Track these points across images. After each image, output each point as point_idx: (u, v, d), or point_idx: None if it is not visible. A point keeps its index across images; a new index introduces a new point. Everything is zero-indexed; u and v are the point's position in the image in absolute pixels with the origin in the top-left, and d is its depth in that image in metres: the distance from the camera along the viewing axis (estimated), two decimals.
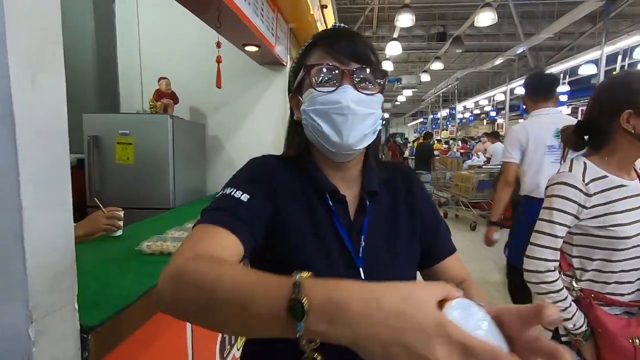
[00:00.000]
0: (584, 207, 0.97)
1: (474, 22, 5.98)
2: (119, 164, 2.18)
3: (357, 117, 0.58)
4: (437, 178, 7.10)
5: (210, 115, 2.83)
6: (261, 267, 0.47)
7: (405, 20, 6.10)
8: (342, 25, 0.67)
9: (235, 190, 0.58)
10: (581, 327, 1.00)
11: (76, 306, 0.72)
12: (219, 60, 1.95)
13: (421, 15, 7.98)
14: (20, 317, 0.61)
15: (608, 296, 0.99)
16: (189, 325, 1.36)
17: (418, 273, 0.72)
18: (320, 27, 3.38)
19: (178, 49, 2.78)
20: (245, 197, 0.57)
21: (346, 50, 0.60)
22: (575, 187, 0.98)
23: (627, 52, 6.85)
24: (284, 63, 2.69)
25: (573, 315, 0.99)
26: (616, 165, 1.01)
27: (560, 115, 2.21)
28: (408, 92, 13.80)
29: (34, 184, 0.62)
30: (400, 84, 11.61)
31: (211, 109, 2.81)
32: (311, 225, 0.61)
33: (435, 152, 7.78)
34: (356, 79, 0.59)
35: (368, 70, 0.60)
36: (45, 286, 0.64)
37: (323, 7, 3.48)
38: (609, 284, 1.00)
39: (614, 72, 7.15)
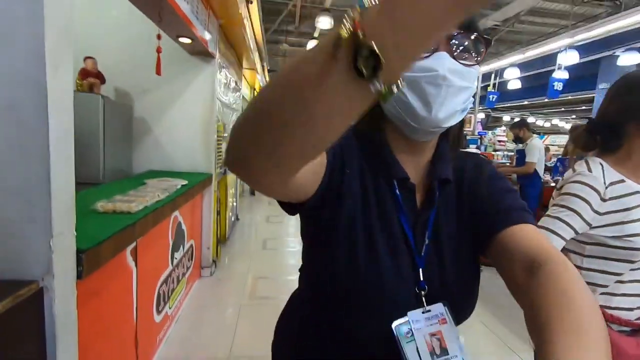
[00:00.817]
0: (597, 212, 0.88)
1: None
2: None
3: (451, 89, 0.50)
4: None
5: (137, 97, 2.92)
6: (314, 260, 0.55)
7: (324, 22, 6.63)
8: None
9: None
10: None
11: (74, 232, 0.99)
12: (159, 51, 2.14)
13: (339, 18, 8.59)
14: (46, 234, 0.88)
15: (615, 312, 0.90)
16: (134, 275, 1.62)
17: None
18: (247, 23, 3.67)
19: (104, 30, 2.81)
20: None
21: None
22: (595, 190, 0.89)
23: (499, 72, 8.46)
24: (213, 55, 2.93)
25: None
26: (632, 170, 0.91)
27: None
28: None
29: (57, 143, 0.89)
30: None
31: (138, 91, 2.91)
32: (377, 216, 0.54)
33: None
34: (455, 46, 0.50)
35: (470, 37, 0.51)
36: (59, 215, 0.92)
37: (249, 2, 3.76)
38: (616, 295, 0.90)
39: (489, 87, 8.80)
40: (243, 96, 5.29)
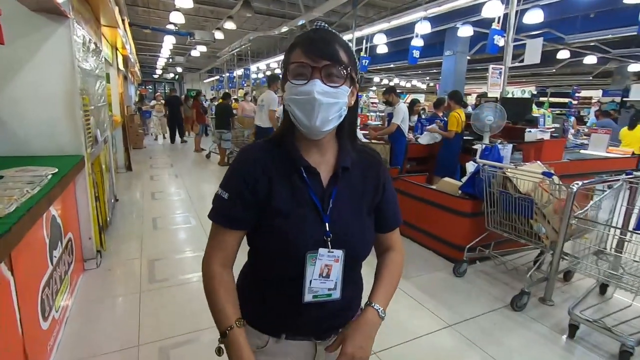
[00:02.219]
0: None
1: None
2: None
3: (322, 106, 0.73)
4: (236, 136, 7.69)
5: None
6: (263, 233, 0.81)
7: None
8: (322, 24, 0.80)
9: (222, 191, 0.81)
10: None
11: None
12: None
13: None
14: None
15: None
16: (12, 286, 1.41)
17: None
18: None
19: None
20: (227, 196, 0.80)
21: (318, 50, 0.74)
22: None
23: (369, 37, 9.14)
24: (67, 14, 2.43)
25: None
26: None
27: None
28: (202, 48, 13.45)
29: None
30: (194, 38, 11.20)
31: None
32: (292, 194, 0.79)
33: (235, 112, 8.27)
34: (324, 74, 0.73)
35: (334, 66, 0.74)
36: None
37: None
38: None
39: (362, 52, 9.48)
40: (105, 58, 4.50)
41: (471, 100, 12.37)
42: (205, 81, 26.47)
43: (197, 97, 10.94)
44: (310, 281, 0.78)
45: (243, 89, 15.02)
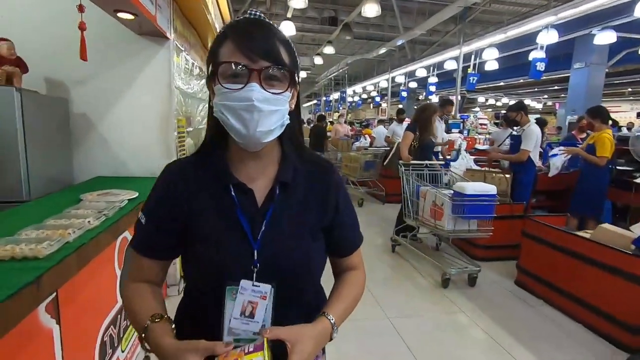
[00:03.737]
0: None
1: (361, 11, 6.35)
2: None
3: (262, 113, 0.62)
4: (329, 159, 7.50)
5: (74, 89, 2.40)
6: (188, 259, 0.70)
7: (297, 0, 6.11)
8: (257, 13, 0.65)
9: (142, 215, 0.71)
10: None
11: None
12: (82, 27, 1.64)
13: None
14: None
15: None
16: (57, 336, 1.20)
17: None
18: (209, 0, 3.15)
19: (24, 7, 2.25)
20: (144, 221, 0.71)
21: (257, 47, 0.61)
22: None
23: (478, 52, 8.21)
24: (167, 35, 2.43)
25: None
26: None
27: None
28: (302, 74, 14.01)
29: None
30: None
31: (74, 81, 2.38)
32: (217, 216, 0.68)
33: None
34: (264, 78, 0.61)
35: (276, 69, 0.62)
36: None
37: None
38: None
39: (469, 69, 8.57)
40: None
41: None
42: (304, 105, 27.89)
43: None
44: (230, 320, 0.64)
45: (339, 111, 15.16)
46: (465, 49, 7.89)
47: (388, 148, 5.88)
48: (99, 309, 1.57)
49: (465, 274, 3.15)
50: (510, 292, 3.00)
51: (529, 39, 7.27)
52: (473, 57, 8.32)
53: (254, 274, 0.65)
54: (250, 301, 0.64)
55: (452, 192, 3.00)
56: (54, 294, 1.16)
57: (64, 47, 2.26)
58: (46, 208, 1.56)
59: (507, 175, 3.79)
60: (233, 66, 0.61)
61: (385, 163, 5.33)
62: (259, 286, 0.64)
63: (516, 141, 3.84)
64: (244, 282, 0.64)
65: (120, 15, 1.94)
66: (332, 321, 0.69)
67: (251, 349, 0.57)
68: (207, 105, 0.72)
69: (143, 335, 0.64)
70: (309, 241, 0.71)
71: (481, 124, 9.09)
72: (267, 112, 0.62)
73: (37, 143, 1.95)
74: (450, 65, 9.36)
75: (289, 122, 0.68)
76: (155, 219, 0.70)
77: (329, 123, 11.04)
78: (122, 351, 1.80)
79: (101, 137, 2.48)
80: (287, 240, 0.69)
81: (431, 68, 10.71)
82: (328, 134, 8.16)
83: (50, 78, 2.34)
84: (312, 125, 9.98)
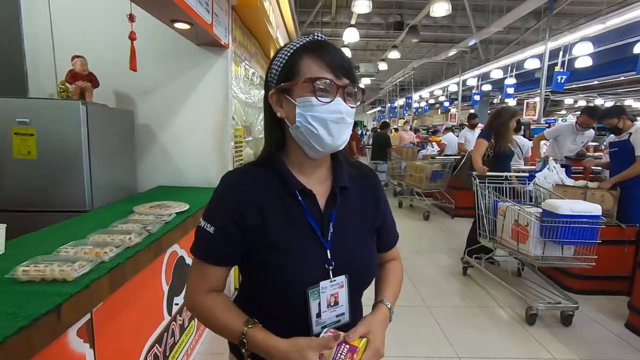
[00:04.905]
0: None
1: (429, 11, 5.96)
2: (18, 159, 1.81)
3: (345, 124, 0.71)
4: (392, 168, 7.12)
5: (139, 101, 2.48)
6: (256, 267, 0.72)
7: (362, 6, 5.93)
8: (323, 36, 0.74)
9: (206, 223, 0.73)
10: None
11: None
12: (132, 37, 1.63)
13: (379, 3, 7.86)
14: None
15: None
16: None
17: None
18: (268, 8, 3.11)
19: (96, 25, 2.39)
20: (212, 230, 0.72)
21: (339, 65, 0.69)
22: None
23: (568, 48, 7.21)
24: (225, 45, 2.40)
25: None
26: None
27: None
28: (366, 80, 13.80)
29: None
30: (358, 72, 11.51)
31: (140, 93, 2.47)
32: (286, 222, 0.72)
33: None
34: (345, 93, 0.70)
35: (354, 86, 0.71)
36: None
37: None
38: None
39: (556, 67, 7.56)
40: None
41: None
42: (367, 112, 27.58)
43: (354, 128, 10.90)
44: (317, 314, 0.72)
45: (404, 118, 14.60)
46: (552, 44, 6.98)
47: (459, 157, 5.36)
48: (142, 328, 1.50)
49: (558, 311, 2.62)
50: (618, 338, 2.41)
51: (633, 28, 6.17)
52: (561, 53, 7.31)
53: (330, 272, 0.72)
54: (332, 294, 0.72)
55: (540, 210, 2.52)
56: (88, 316, 1.10)
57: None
58: (97, 220, 1.55)
59: (615, 192, 3.12)
60: (325, 83, 0.68)
61: (454, 173, 4.84)
62: (335, 280, 0.72)
63: (622, 149, 3.16)
64: (322, 283, 0.71)
65: (177, 25, 1.93)
66: (389, 306, 0.80)
67: (349, 337, 0.67)
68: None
69: (244, 340, 0.69)
70: (368, 238, 0.81)
71: None
72: (349, 123, 0.72)
73: (102, 154, 2.02)
74: (531, 65, 8.38)
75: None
76: (224, 227, 0.72)
77: (393, 130, 10.62)
78: None
79: (162, 147, 2.54)
80: (353, 239, 0.77)
81: (509, 68, 9.73)
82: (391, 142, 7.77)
83: (118, 91, 2.45)
84: (374, 133, 9.67)
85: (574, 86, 12.99)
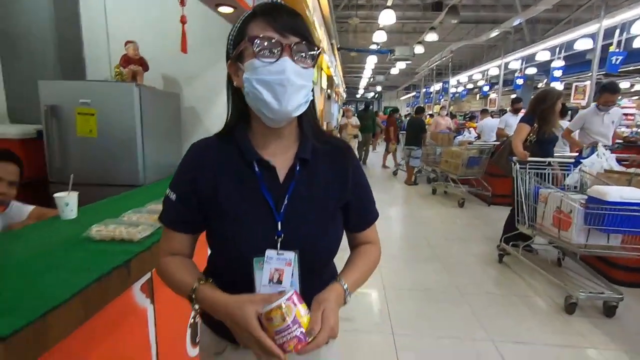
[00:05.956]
0: None
1: None
2: (81, 137, 1.99)
3: (294, 87, 0.66)
4: (427, 154, 6.98)
5: (185, 84, 2.62)
6: (213, 234, 0.74)
7: None
8: (281, 1, 0.73)
9: (170, 191, 0.76)
10: None
11: None
12: (183, 21, 1.73)
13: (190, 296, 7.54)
14: None
15: None
16: (151, 315, 1.26)
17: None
18: None
19: (146, 13, 2.53)
20: (174, 197, 0.75)
21: (287, 24, 0.66)
22: None
23: (625, 26, 6.63)
24: None
25: None
26: None
27: None
28: (402, 65, 13.41)
29: None
30: (394, 55, 11.21)
31: (185, 77, 2.60)
32: (240, 192, 0.72)
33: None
34: (295, 52, 0.66)
35: (305, 44, 0.67)
36: None
37: None
38: None
39: (610, 47, 6.99)
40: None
41: None
42: (401, 98, 26.92)
43: (392, 115, 10.65)
44: (260, 288, 0.68)
45: (440, 103, 14.13)
46: (607, 22, 6.45)
47: (498, 142, 5.16)
48: None
49: (600, 301, 2.53)
50: None
51: None
52: (618, 31, 6.74)
53: (278, 244, 0.70)
54: (276, 268, 0.69)
55: (585, 197, 2.42)
56: (149, 275, 1.22)
57: (177, 48, 2.48)
58: (155, 192, 1.69)
59: None
60: (266, 41, 0.64)
61: (492, 158, 4.68)
62: (283, 254, 0.69)
63: None
64: (269, 252, 0.68)
65: (221, 9, 2.01)
66: (345, 287, 0.74)
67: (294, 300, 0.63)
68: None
69: (193, 296, 0.69)
70: (328, 214, 0.77)
71: (625, 114, 7.36)
72: (298, 86, 0.67)
73: (153, 134, 2.17)
74: (583, 45, 7.80)
75: (312, 98, 0.73)
76: (183, 195, 0.74)
77: (427, 116, 10.33)
78: None
79: (206, 129, 2.67)
80: (308, 213, 0.73)
81: (557, 50, 9.11)
82: (426, 127, 7.58)
83: (166, 75, 2.59)
84: (409, 118, 9.46)
85: (631, 68, 11.95)
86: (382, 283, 2.90)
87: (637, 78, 14.65)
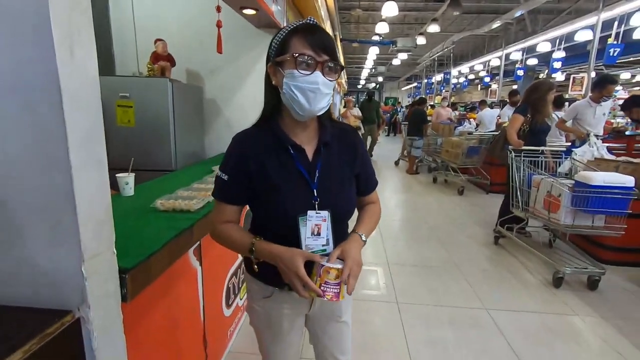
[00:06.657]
0: None
1: None
2: (120, 127, 2.23)
3: (322, 94, 0.87)
4: (428, 144, 7.20)
5: (207, 78, 2.84)
6: (260, 204, 0.93)
7: None
8: (313, 20, 0.90)
9: (221, 173, 0.94)
10: None
11: (114, 251, 0.84)
12: (219, 25, 1.95)
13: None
14: (75, 258, 0.73)
15: None
16: (199, 275, 1.51)
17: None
18: None
19: (171, 10, 2.73)
20: (226, 177, 0.93)
21: (321, 44, 0.85)
22: None
23: (624, 18, 6.77)
24: (280, 26, 2.67)
25: None
26: None
27: None
28: (403, 56, 13.52)
29: (79, 147, 0.71)
30: (396, 46, 11.32)
31: (207, 71, 2.81)
32: (281, 169, 0.91)
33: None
34: (325, 68, 0.86)
35: (333, 63, 0.87)
36: (91, 233, 0.76)
37: None
38: None
39: (609, 39, 7.14)
40: None
41: None
42: (402, 89, 26.93)
43: (418, 104, 10.61)
44: (305, 239, 0.89)
45: (441, 94, 14.27)
46: (606, 14, 6.59)
47: (497, 133, 5.38)
48: (227, 260, 1.90)
49: (585, 276, 2.79)
50: None
51: None
52: (616, 24, 6.89)
53: (316, 205, 0.91)
54: (316, 224, 0.90)
55: (572, 182, 2.66)
56: (198, 242, 1.47)
57: (199, 43, 2.69)
58: (190, 175, 1.93)
59: None
60: (305, 58, 0.83)
61: (488, 148, 4.91)
62: (320, 213, 0.90)
63: None
64: (310, 212, 0.90)
65: (245, 11, 2.22)
66: (361, 235, 0.96)
67: (329, 263, 0.84)
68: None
69: (253, 248, 0.89)
70: (347, 182, 0.99)
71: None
72: (325, 93, 0.87)
73: (182, 124, 2.40)
74: (582, 37, 7.94)
75: (332, 101, 0.92)
76: (234, 175, 0.92)
77: (429, 107, 10.50)
78: (240, 299, 2.15)
79: (226, 119, 2.90)
80: (333, 182, 0.95)
81: (557, 41, 9.23)
82: (428, 118, 7.78)
83: (189, 69, 2.81)
84: (410, 108, 9.59)
85: (631, 59, 12.06)
86: (387, 260, 3.17)
87: (638, 69, 14.72)
